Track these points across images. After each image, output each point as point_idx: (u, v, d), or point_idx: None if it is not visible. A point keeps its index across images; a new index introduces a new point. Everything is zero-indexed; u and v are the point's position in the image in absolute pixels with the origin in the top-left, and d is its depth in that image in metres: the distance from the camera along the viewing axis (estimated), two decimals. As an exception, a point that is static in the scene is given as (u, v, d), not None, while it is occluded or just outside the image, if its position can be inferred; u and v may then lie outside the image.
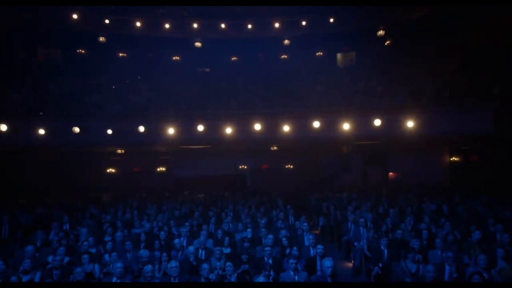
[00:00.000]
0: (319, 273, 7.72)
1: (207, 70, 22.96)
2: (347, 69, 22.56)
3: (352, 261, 10.54)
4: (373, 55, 21.44)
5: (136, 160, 21.91)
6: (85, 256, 8.18)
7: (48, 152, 18.80)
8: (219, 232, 10.29)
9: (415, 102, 16.25)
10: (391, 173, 20.48)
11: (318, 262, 8.04)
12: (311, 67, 21.39)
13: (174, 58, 23.08)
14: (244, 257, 8.12)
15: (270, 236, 9.39)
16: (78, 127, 15.14)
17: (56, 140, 15.51)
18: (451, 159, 20.15)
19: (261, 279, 6.19)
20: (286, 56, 23.48)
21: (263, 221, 11.30)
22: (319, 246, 8.15)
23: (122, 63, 21.70)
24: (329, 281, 6.87)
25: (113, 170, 22.22)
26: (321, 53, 23.65)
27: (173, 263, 7.10)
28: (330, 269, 6.95)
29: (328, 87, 18.71)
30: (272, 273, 7.35)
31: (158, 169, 22.57)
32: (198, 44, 20.61)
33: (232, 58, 23.20)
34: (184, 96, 17.90)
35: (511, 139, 15.45)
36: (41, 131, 14.93)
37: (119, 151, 19.27)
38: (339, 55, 24.39)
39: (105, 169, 22.09)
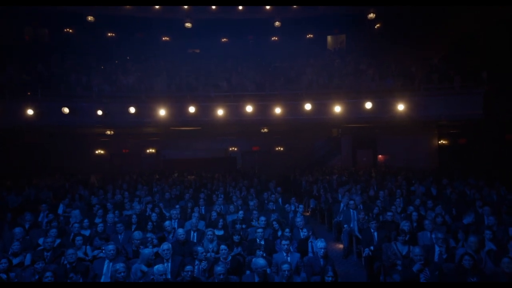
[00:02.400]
0: (310, 254, 7.80)
1: (197, 51, 22.73)
2: (338, 52, 22.48)
3: (342, 244, 10.68)
4: (363, 38, 21.39)
5: (125, 141, 21.78)
6: (78, 238, 8.16)
7: (35, 133, 18.62)
8: (214, 213, 10.28)
9: (405, 85, 16.28)
10: (380, 156, 20.63)
11: (309, 244, 8.13)
12: (301, 49, 21.30)
13: (163, 38, 22.80)
14: (236, 238, 8.13)
15: (262, 218, 9.43)
16: (67, 107, 14.97)
17: (45, 121, 15.33)
18: (440, 142, 20.32)
19: (260, 260, 6.22)
20: (276, 38, 23.33)
21: (252, 203, 11.36)
22: (305, 229, 8.22)
23: (111, 43, 21.37)
24: (322, 262, 6.94)
25: (101, 152, 22.07)
26: (312, 36, 23.54)
27: (165, 246, 7.09)
28: (322, 250, 7.04)
29: (318, 70, 18.65)
30: (265, 254, 7.39)
31: (147, 151, 22.46)
32: (188, 25, 20.34)
33: (223, 40, 23.00)
34: (174, 78, 17.72)
35: (499, 122, 15.62)
36: (30, 112, 14.75)
37: (108, 132, 19.10)
38: (329, 38, 24.29)
39: (93, 151, 21.93)
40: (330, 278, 5.98)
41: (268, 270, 6.32)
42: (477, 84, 15.50)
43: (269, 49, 22.12)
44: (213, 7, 19.98)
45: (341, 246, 10.79)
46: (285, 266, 6.18)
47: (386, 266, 7.78)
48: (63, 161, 19.15)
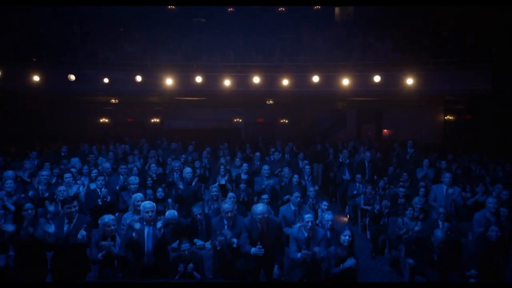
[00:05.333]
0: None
1: (203, 20, 22.37)
2: (345, 24, 22.12)
3: (348, 216, 10.74)
4: (371, 10, 20.98)
5: (129, 110, 21.69)
6: (67, 174, 8.30)
7: (36, 100, 18.56)
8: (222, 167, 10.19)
9: (413, 59, 16.09)
10: (385, 130, 20.55)
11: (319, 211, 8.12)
12: (308, 21, 20.95)
13: (169, 7, 22.39)
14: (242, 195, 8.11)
15: (266, 167, 9.39)
16: (73, 75, 14.89)
17: (49, 88, 15.28)
18: (446, 117, 20.22)
19: (259, 207, 5.95)
20: (283, 9, 22.94)
21: (257, 154, 11.42)
22: (324, 202, 8.11)
23: (115, 10, 20.97)
24: (329, 234, 6.94)
25: (105, 120, 22.01)
26: (319, 7, 23.13)
27: (170, 215, 6.98)
28: (330, 223, 7.06)
29: (325, 42, 18.41)
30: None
31: (152, 120, 22.39)
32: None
33: (229, 9, 22.63)
34: (179, 46, 17.52)
35: (508, 98, 15.51)
36: (36, 78, 14.70)
37: (113, 100, 19.02)
38: (337, 10, 23.86)
39: (96, 119, 21.84)
40: (347, 237, 5.91)
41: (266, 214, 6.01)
42: (487, 59, 15.32)
43: (276, 20, 21.77)
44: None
45: (345, 219, 10.87)
46: (308, 217, 6.01)
47: (391, 239, 7.83)
48: (64, 129, 19.05)
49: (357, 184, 10.44)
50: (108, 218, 5.75)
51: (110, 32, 18.76)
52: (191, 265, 5.80)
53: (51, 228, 5.46)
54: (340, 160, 12.27)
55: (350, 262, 5.72)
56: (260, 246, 5.66)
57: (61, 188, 7.22)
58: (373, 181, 10.79)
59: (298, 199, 7.18)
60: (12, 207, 7.18)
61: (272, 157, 11.86)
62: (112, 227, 5.68)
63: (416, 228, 7.35)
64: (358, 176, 10.56)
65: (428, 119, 20.16)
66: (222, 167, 9.74)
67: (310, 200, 8.27)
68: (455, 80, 15.29)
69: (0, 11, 16.90)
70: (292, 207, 7.16)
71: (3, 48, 15.43)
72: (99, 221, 5.80)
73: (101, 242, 5.50)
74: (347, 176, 11.54)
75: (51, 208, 6.98)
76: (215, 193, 7.95)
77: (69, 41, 17.08)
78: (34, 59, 15.61)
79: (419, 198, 8.41)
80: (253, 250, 5.71)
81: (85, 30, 18.30)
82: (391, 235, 7.80)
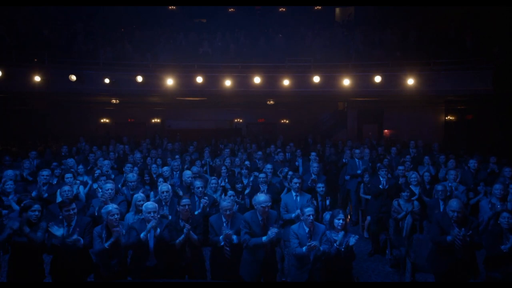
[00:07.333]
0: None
1: (204, 20, 22.39)
2: (345, 24, 22.13)
3: (349, 216, 10.72)
4: (372, 11, 20.97)
5: (130, 110, 21.73)
6: (68, 174, 8.27)
7: (38, 100, 18.57)
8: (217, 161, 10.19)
9: (414, 59, 16.08)
10: (386, 130, 20.52)
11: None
12: (309, 21, 20.95)
13: (170, 7, 22.42)
14: (239, 186, 8.06)
15: (269, 166, 9.33)
16: (74, 75, 14.91)
17: (51, 88, 15.31)
18: (447, 118, 20.20)
19: (262, 197, 5.81)
20: (284, 10, 22.94)
21: (259, 153, 11.39)
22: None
23: (116, 10, 20.99)
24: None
25: (107, 120, 22.04)
26: (320, 7, 23.14)
27: (164, 187, 6.93)
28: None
29: (326, 42, 18.40)
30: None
31: (153, 120, 22.42)
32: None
33: (230, 10, 22.65)
34: (180, 47, 17.53)
35: (509, 98, 15.48)
36: (37, 78, 14.69)
37: (114, 101, 19.04)
38: (337, 10, 23.87)
39: (98, 119, 21.89)
40: (341, 221, 5.86)
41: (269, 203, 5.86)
42: (488, 60, 15.31)
43: (277, 20, 21.77)
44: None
45: (347, 219, 10.82)
46: (308, 210, 5.75)
47: (392, 239, 7.82)
48: (66, 129, 19.09)
49: (356, 160, 10.24)
50: (111, 206, 5.75)
51: (111, 33, 18.73)
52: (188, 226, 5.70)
53: (59, 231, 5.45)
54: (344, 160, 12.20)
55: (352, 240, 5.62)
56: (276, 230, 5.47)
57: (65, 188, 7.18)
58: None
59: (297, 184, 7.12)
60: (17, 207, 7.16)
61: (276, 157, 11.84)
62: (116, 216, 5.65)
63: (411, 209, 7.37)
64: (357, 151, 10.49)
65: (429, 119, 20.12)
66: (223, 168, 9.72)
67: (313, 175, 8.42)
68: (456, 81, 15.33)
69: (2, 11, 16.93)
70: (293, 193, 7.13)
71: (5, 48, 15.43)
72: (103, 211, 5.80)
73: (113, 228, 5.51)
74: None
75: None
76: (213, 185, 7.93)
77: (71, 41, 17.05)
78: (36, 60, 15.60)
79: (414, 172, 8.50)
80: (264, 238, 5.54)
81: (87, 30, 18.25)
82: (392, 236, 7.78)
